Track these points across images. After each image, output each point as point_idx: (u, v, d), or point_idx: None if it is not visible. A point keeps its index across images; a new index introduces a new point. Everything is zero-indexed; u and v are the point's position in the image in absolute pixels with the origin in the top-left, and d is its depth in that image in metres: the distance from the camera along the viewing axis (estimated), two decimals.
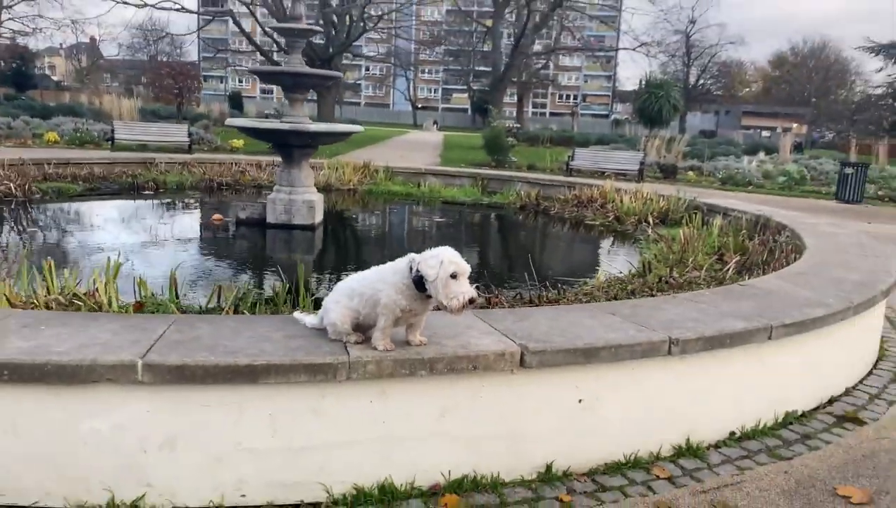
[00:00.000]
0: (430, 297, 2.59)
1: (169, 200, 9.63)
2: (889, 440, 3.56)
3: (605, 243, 8.35)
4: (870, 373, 4.49)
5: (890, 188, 19.00)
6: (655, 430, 3.23)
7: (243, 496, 2.65)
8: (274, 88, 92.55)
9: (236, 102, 61.18)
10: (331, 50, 35.30)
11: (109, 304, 3.81)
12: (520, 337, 2.93)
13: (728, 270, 5.63)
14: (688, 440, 3.30)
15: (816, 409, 3.88)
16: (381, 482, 2.75)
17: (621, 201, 9.34)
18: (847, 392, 4.15)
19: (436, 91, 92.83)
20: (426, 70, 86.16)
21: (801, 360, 3.72)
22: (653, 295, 4.75)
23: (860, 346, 4.39)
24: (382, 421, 2.73)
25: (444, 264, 2.52)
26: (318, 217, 7.68)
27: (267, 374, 2.55)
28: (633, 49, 46.53)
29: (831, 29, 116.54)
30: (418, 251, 2.67)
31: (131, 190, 9.83)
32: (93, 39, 65.78)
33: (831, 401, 4.00)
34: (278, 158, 12.16)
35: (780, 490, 2.99)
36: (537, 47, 53.93)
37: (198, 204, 9.57)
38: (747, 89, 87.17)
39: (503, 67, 36.27)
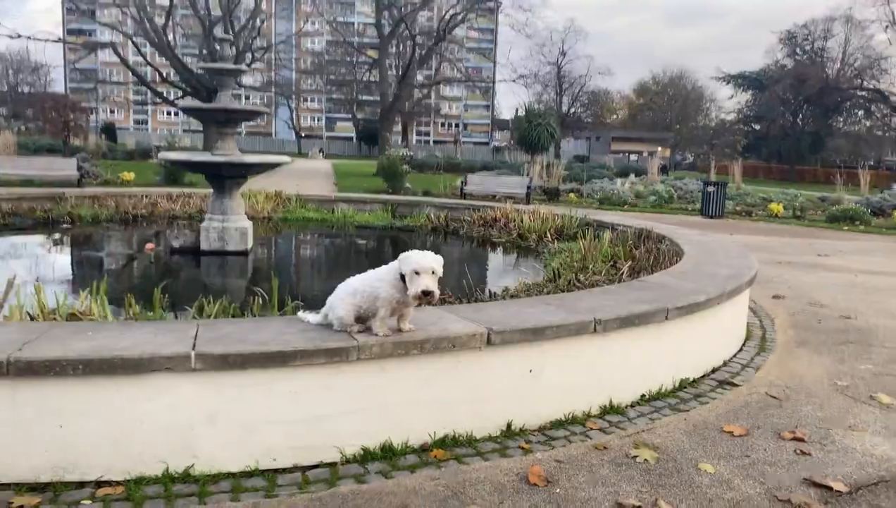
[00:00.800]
0: None
1: (91, 232, 9.74)
2: (757, 394, 4.57)
3: (514, 257, 9.29)
4: (741, 349, 5.57)
5: (745, 204, 21.34)
6: (586, 394, 4.07)
7: (274, 459, 3.24)
8: (148, 119, 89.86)
9: (110, 133, 58.85)
10: (216, 82, 35.05)
11: (105, 318, 4.26)
12: (483, 322, 3.70)
13: (622, 273, 6.64)
14: (611, 401, 4.17)
15: (703, 376, 4.86)
16: (383, 442, 3.42)
17: (522, 221, 10.35)
18: (725, 363, 5.18)
19: (319, 120, 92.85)
20: (309, 99, 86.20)
21: (690, 337, 4.70)
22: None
23: (733, 326, 5.47)
24: (382, 393, 3.40)
25: (410, 263, 3.24)
26: (250, 243, 8.16)
27: (294, 358, 3.18)
28: (513, 81, 48.93)
29: (688, 59, 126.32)
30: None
31: (47, 224, 9.85)
32: None
33: (714, 370, 5.01)
34: (185, 190, 12.41)
35: (682, 431, 3.90)
36: (420, 78, 55.53)
37: (123, 235, 9.73)
38: (615, 116, 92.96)
39: (391, 97, 37.30)
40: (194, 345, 3.10)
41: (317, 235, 10.74)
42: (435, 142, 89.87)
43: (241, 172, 7.92)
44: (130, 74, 38.58)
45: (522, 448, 3.58)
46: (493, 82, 70.13)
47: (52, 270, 6.76)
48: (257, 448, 3.21)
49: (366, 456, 3.37)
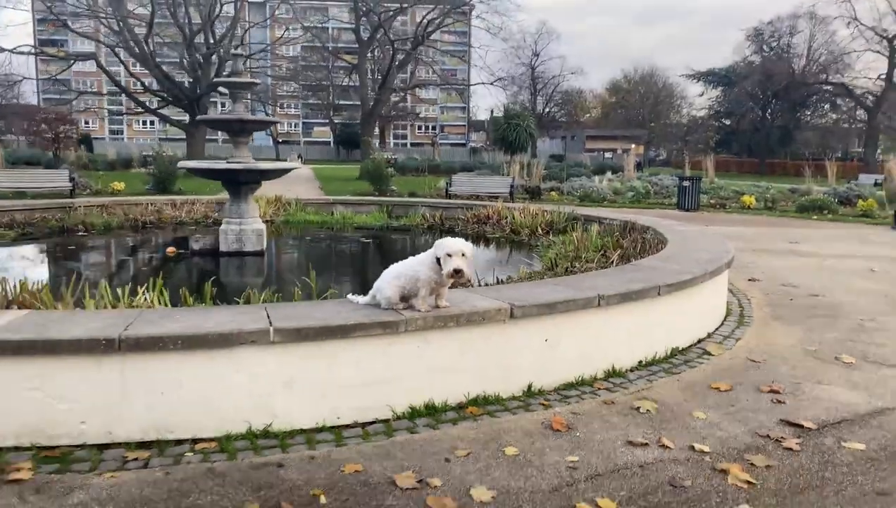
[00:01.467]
0: None
1: (109, 238, 10.24)
2: (739, 359, 5.24)
3: (510, 251, 9.94)
4: (722, 323, 6.25)
5: (719, 197, 22.22)
6: (593, 360, 4.71)
7: (338, 418, 3.84)
8: (124, 129, 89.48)
9: (87, 144, 58.68)
10: (198, 90, 35.37)
11: (166, 306, 4.82)
12: (505, 300, 4.32)
13: (613, 261, 7.31)
14: (613, 366, 4.81)
15: (691, 346, 5.53)
16: (427, 402, 4.03)
17: (513, 217, 11.01)
18: (709, 335, 5.86)
19: (296, 126, 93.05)
20: (285, 105, 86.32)
21: (679, 311, 5.37)
22: None
23: (715, 303, 6.16)
24: (425, 360, 4.01)
25: (444, 247, 3.86)
26: (265, 244, 8.71)
27: (355, 330, 3.78)
28: (491, 83, 49.69)
29: (658, 57, 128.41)
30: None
31: (62, 232, 10.31)
32: None
33: (700, 341, 5.68)
34: (189, 197, 12.89)
35: (677, 389, 4.56)
36: (397, 81, 56.11)
37: (141, 240, 10.24)
38: (588, 115, 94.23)
39: (371, 102, 37.85)
40: (270, 322, 3.69)
41: (321, 235, 11.30)
42: (412, 144, 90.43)
43: (257, 177, 8.49)
44: (105, 84, 38.75)
45: (543, 405, 4.21)
46: (468, 85, 70.91)
47: (93, 271, 7.26)
48: (325, 409, 3.81)
49: (413, 413, 3.98)
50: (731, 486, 3.23)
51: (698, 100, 77.40)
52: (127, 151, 44.75)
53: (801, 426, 3.94)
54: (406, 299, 4.06)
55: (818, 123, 68.24)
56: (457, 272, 3.80)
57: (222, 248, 8.35)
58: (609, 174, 31.20)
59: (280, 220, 12.12)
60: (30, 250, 9.30)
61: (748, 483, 3.26)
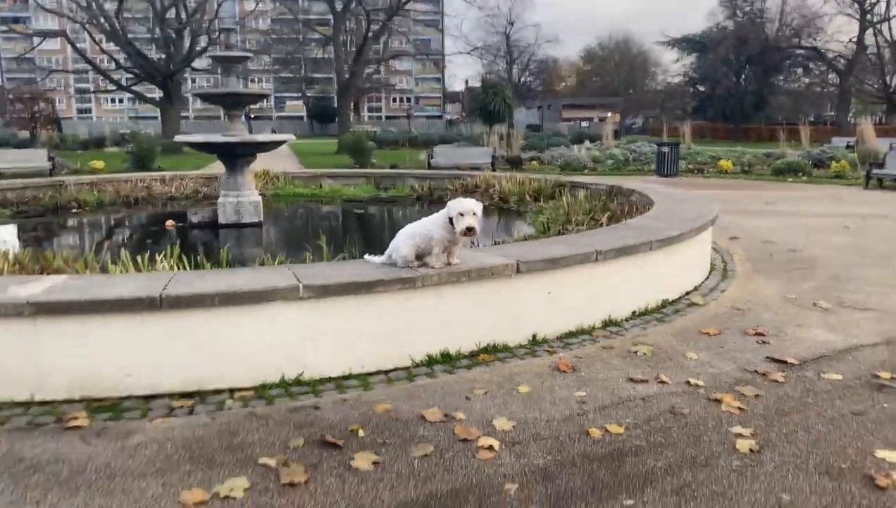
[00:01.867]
0: None
1: (106, 214, 10.39)
2: (725, 308, 5.63)
3: (501, 217, 10.25)
4: (708, 277, 6.64)
5: (697, 163, 22.67)
6: (591, 311, 5.06)
7: (363, 366, 4.15)
8: (93, 107, 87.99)
9: (56, 123, 57.70)
10: (171, 66, 35.00)
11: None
12: (511, 257, 4.64)
13: (602, 222, 7.65)
14: (610, 316, 5.17)
15: (679, 298, 5.90)
16: (442, 350, 4.35)
17: (501, 185, 11.31)
18: (696, 288, 6.23)
19: (268, 100, 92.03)
20: (257, 79, 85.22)
21: (669, 265, 5.73)
22: None
23: (700, 258, 6.54)
24: (440, 312, 4.33)
25: (456, 207, 4.16)
26: (261, 215, 8.94)
27: (377, 286, 4.08)
28: (468, 53, 49.52)
29: (633, 24, 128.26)
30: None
31: (57, 210, 10.43)
32: None
33: (688, 293, 6.05)
34: (178, 173, 13.02)
35: (669, 335, 4.92)
36: (371, 52, 55.67)
37: (138, 215, 10.40)
38: (564, 84, 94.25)
39: (347, 74, 37.68)
40: (298, 280, 3.98)
41: (313, 207, 11.52)
42: (387, 117, 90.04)
43: (253, 150, 8.68)
44: (71, 61, 38.09)
45: (548, 351, 4.56)
46: (443, 55, 70.54)
47: (104, 243, 7.46)
48: (351, 358, 4.12)
49: (430, 361, 4.30)
50: (724, 412, 3.60)
51: (673, 66, 77.56)
52: (99, 130, 44.17)
53: (785, 362, 4.33)
54: (420, 257, 4.36)
55: (791, 87, 69.00)
56: (469, 230, 4.11)
57: (221, 220, 8.56)
58: (587, 143, 31.54)
59: (270, 193, 12.29)
60: (32, 225, 9.45)
61: (740, 409, 3.64)
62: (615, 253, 5.06)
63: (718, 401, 3.73)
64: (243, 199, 8.63)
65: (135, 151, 22.29)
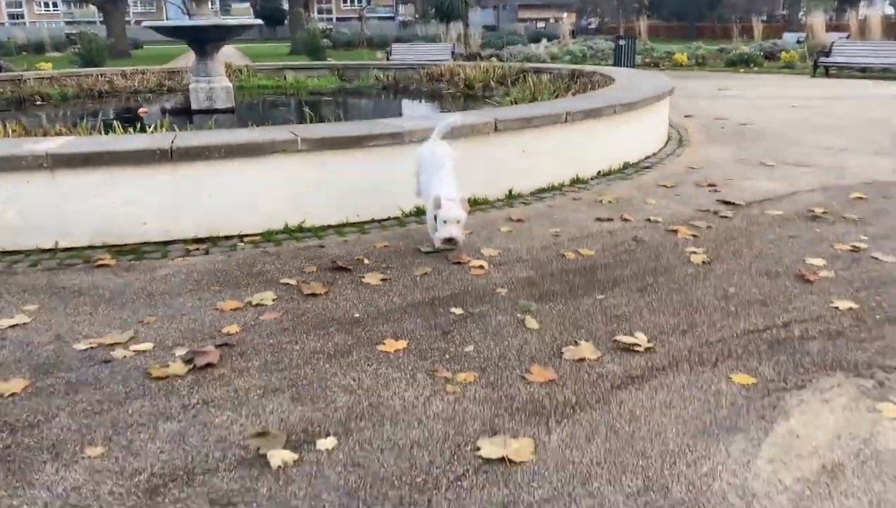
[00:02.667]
0: None
1: (74, 106, 10.31)
2: (681, 167, 6.14)
3: (468, 102, 10.49)
4: (665, 146, 7.13)
5: (653, 57, 22.96)
6: (561, 170, 5.51)
7: (358, 215, 4.55)
8: (24, 11, 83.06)
9: None
10: None
11: None
12: (489, 116, 5.01)
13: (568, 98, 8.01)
14: (577, 175, 5.63)
15: (639, 162, 6.38)
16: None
17: (466, 73, 11.50)
18: (654, 154, 6.72)
19: (213, 3, 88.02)
20: None
21: (630, 130, 6.18)
22: None
23: (658, 126, 7.01)
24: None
25: (440, 211, 4.34)
26: (234, 102, 9.04)
27: (368, 140, 4.43)
28: None
29: None
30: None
31: (20, 102, 10.31)
32: None
33: (647, 158, 6.54)
34: (139, 67, 12.85)
35: (631, 188, 5.42)
36: None
37: (108, 105, 10.36)
38: None
39: None
40: (296, 134, 4.30)
41: (281, 97, 11.57)
42: (338, 19, 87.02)
43: (223, 34, 8.69)
44: None
45: (523, 204, 5.02)
46: None
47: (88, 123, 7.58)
48: (348, 208, 4.51)
49: (419, 211, 4.72)
50: (680, 238, 4.13)
51: None
52: (36, 35, 42.04)
53: (733, 204, 4.87)
54: None
55: None
56: (449, 241, 3.82)
57: (194, 106, 8.65)
58: (545, 42, 31.36)
59: (234, 85, 12.24)
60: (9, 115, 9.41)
61: (693, 236, 4.17)
62: (583, 115, 5.47)
63: (675, 231, 4.26)
64: (215, 84, 8.71)
65: (82, 52, 21.59)
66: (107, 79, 12.06)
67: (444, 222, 3.75)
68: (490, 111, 5.42)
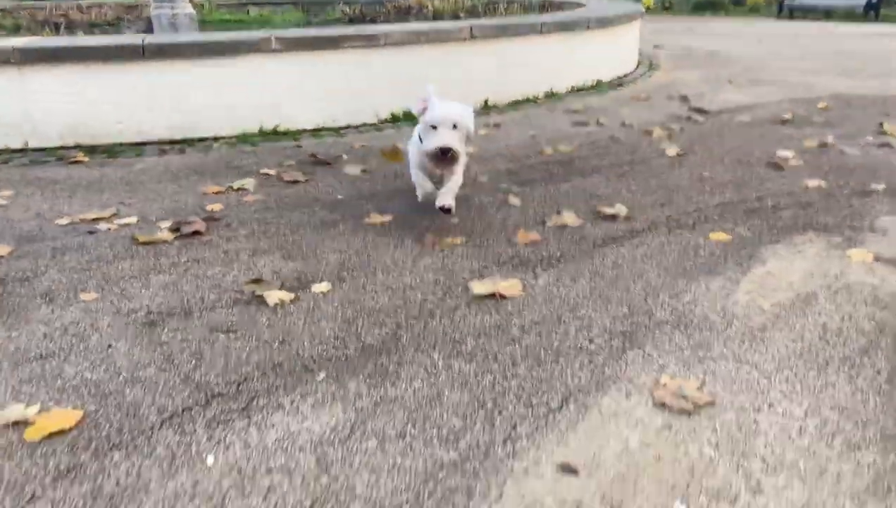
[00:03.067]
0: None
1: (32, 35, 9.95)
2: (653, 85, 6.19)
3: None
4: (636, 69, 7.17)
5: None
6: (536, 84, 5.52)
7: (334, 120, 4.53)
8: None
9: None
10: None
11: None
12: (466, 23, 4.98)
13: None
14: (552, 89, 5.65)
15: (611, 81, 6.42)
16: (404, 110, 4.75)
17: (434, 5, 11.35)
18: (626, 75, 6.76)
19: None
20: None
21: (603, 48, 6.19)
22: None
23: (630, 48, 7.03)
24: (401, 71, 4.69)
25: (427, 116, 4.39)
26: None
27: (343, 41, 4.38)
28: None
29: None
30: None
31: None
32: None
33: (619, 78, 6.58)
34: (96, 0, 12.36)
35: (605, 100, 5.46)
36: None
37: (71, 31, 10.01)
38: None
39: None
40: (271, 34, 4.24)
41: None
42: None
43: None
44: None
45: (499, 113, 5.04)
46: None
47: None
48: (324, 113, 4.48)
49: (394, 119, 4.71)
50: (655, 138, 4.21)
51: None
52: None
53: (705, 111, 4.96)
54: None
55: None
56: (444, 153, 2.53)
57: (157, 33, 8.41)
58: None
59: (198, 19, 11.93)
60: None
61: (668, 136, 4.25)
62: (558, 27, 5.47)
63: (650, 132, 4.32)
64: (178, 10, 8.45)
65: None
66: (61, 12, 11.62)
67: (433, 126, 2.56)
68: (465, 20, 5.38)
